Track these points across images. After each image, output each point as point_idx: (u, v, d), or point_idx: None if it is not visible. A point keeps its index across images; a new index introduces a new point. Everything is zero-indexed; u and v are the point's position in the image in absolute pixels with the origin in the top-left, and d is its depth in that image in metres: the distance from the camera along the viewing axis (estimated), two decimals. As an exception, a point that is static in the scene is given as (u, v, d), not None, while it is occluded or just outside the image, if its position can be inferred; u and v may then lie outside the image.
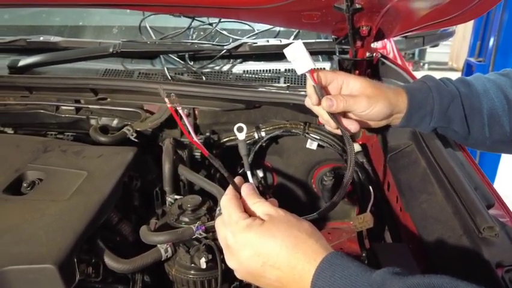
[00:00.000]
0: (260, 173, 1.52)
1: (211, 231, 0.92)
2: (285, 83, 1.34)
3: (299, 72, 0.80)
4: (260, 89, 1.26)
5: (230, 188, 0.69)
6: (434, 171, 0.94)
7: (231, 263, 0.63)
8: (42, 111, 1.43)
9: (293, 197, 1.57)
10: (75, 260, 0.81)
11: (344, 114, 0.87)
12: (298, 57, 0.78)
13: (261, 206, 0.64)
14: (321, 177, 1.48)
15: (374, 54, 1.31)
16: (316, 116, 1.35)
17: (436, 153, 1.00)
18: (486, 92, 0.87)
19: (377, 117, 0.86)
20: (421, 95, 0.86)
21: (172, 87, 1.27)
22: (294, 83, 1.35)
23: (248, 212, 0.65)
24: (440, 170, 0.93)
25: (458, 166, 0.95)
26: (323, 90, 0.83)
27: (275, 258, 0.57)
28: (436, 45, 1.92)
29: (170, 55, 1.45)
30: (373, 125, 0.91)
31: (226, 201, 0.66)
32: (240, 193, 0.68)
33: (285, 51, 0.79)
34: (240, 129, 0.77)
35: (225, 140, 1.38)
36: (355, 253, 1.39)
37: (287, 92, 1.23)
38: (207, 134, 1.36)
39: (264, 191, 1.54)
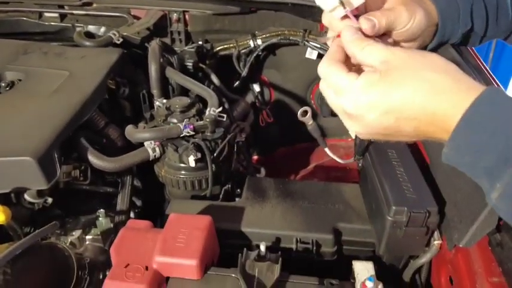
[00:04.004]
0: (257, 88, 1.45)
1: (200, 131, 0.87)
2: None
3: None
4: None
5: (328, 53, 0.56)
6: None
7: (354, 129, 0.54)
8: (24, 18, 1.34)
9: (291, 113, 1.51)
10: (55, 155, 0.77)
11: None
12: None
13: (373, 52, 0.52)
14: (320, 92, 1.41)
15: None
16: (318, 22, 1.27)
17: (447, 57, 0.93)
18: None
19: (417, 31, 0.72)
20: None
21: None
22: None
23: (356, 65, 0.54)
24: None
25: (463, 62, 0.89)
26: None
27: (409, 110, 0.48)
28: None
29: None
30: (406, 46, 0.79)
31: (326, 65, 0.54)
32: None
33: None
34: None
35: (218, 49, 1.30)
36: (351, 167, 1.37)
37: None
38: (200, 42, 1.28)
39: (261, 107, 1.49)
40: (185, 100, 0.93)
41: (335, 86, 0.53)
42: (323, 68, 0.55)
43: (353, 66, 0.58)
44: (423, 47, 0.82)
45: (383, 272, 0.77)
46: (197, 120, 0.90)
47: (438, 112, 0.47)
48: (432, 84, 0.47)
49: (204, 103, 0.99)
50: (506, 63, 2.65)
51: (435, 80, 0.47)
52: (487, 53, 2.65)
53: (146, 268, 0.66)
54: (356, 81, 0.50)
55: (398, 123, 0.49)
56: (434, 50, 0.82)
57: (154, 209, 1.08)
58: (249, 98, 1.45)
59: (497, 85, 0.90)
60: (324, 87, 0.56)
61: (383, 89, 0.49)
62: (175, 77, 1.03)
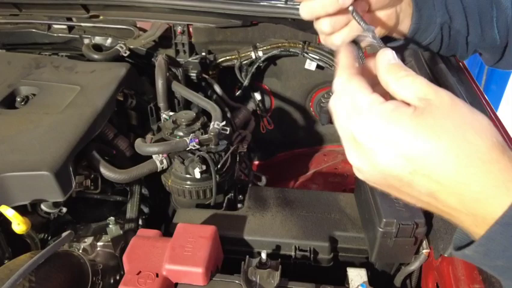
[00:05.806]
0: (258, 96, 1.51)
1: (204, 144, 0.93)
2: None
3: None
4: (257, 2, 1.21)
5: (344, 61, 0.46)
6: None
7: (359, 165, 0.43)
8: (34, 30, 1.39)
9: (290, 120, 1.57)
10: (70, 168, 0.83)
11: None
12: None
13: (413, 85, 0.40)
14: (319, 99, 1.47)
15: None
16: (317, 34, 1.32)
17: (435, 69, 0.98)
18: None
19: None
20: None
21: (165, 1, 1.22)
22: (293, -2, 1.29)
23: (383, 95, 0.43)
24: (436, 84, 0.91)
25: (457, 83, 0.93)
26: None
27: (434, 168, 0.37)
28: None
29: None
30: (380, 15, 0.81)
31: (346, 79, 0.44)
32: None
33: None
34: None
35: (221, 60, 1.35)
36: (349, 173, 1.43)
37: (286, 5, 1.17)
38: (203, 53, 1.33)
39: (262, 114, 1.54)
40: (191, 114, 0.98)
41: (352, 105, 0.42)
42: (341, 82, 0.44)
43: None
44: (403, 33, 0.83)
45: (375, 278, 0.83)
46: (202, 133, 0.96)
47: (472, 188, 0.36)
48: (474, 150, 0.36)
49: (208, 115, 1.05)
50: (499, 77, 2.70)
51: (479, 146, 0.36)
52: (481, 67, 2.69)
53: (157, 275, 0.71)
54: (381, 105, 0.40)
55: (413, 177, 0.39)
56: (410, 38, 0.83)
57: (160, 214, 1.14)
58: (250, 105, 1.50)
59: (488, 104, 0.95)
60: (336, 104, 0.44)
61: (411, 129, 0.38)
62: (181, 90, 1.08)
